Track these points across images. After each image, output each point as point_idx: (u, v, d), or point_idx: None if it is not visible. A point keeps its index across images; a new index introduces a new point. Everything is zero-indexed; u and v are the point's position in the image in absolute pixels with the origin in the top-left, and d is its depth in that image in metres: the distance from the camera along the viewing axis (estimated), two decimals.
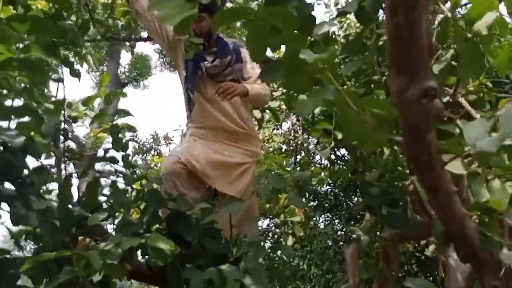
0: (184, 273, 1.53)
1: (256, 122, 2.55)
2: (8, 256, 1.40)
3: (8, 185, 1.41)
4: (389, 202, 1.24)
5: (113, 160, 1.58)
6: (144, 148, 7.51)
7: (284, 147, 5.86)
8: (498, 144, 0.57)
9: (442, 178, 0.75)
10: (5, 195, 1.32)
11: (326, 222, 4.87)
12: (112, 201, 1.50)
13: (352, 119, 0.79)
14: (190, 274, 1.51)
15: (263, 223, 4.20)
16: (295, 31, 0.85)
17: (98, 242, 1.55)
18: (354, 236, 2.15)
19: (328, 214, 4.90)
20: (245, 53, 2.10)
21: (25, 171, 1.39)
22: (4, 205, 1.35)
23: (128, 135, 2.09)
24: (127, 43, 4.55)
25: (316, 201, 5.24)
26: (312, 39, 1.17)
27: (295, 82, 0.89)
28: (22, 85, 1.46)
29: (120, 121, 2.50)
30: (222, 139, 2.06)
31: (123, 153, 2.16)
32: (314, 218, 5.20)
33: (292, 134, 5.37)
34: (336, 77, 0.81)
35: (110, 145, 2.20)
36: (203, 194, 2.00)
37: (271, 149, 5.60)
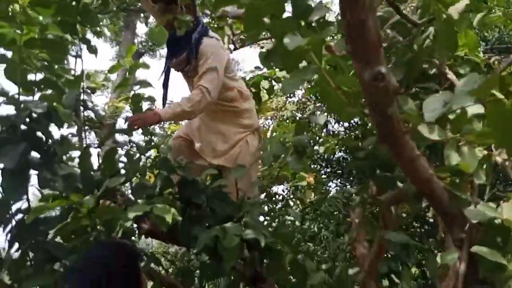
0: (193, 231, 1.70)
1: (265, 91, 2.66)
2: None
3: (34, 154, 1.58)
4: (378, 165, 1.34)
5: (128, 132, 1.71)
6: None
7: (298, 114, 5.92)
8: (436, 116, 0.66)
9: (405, 145, 0.85)
10: (33, 163, 1.48)
11: (338, 188, 5.00)
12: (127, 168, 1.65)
13: (330, 95, 0.89)
14: (199, 232, 1.68)
15: (278, 189, 4.36)
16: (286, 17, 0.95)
17: (117, 203, 1.72)
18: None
19: (340, 180, 5.03)
20: (205, 45, 2.08)
21: (50, 142, 1.56)
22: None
23: (146, 104, 2.23)
24: (142, 14, 4.63)
25: (330, 168, 5.37)
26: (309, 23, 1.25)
27: (285, 62, 0.99)
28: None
29: (139, 91, 2.65)
30: (215, 117, 2.23)
31: None
32: (329, 184, 5.35)
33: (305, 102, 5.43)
34: (319, 57, 0.91)
35: (129, 114, 2.37)
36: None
37: (284, 117, 5.69)
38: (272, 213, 3.02)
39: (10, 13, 1.28)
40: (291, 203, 3.67)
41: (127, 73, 2.58)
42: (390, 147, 0.88)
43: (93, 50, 1.82)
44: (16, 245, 1.67)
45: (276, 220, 3.17)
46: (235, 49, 3.63)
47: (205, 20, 3.51)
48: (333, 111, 0.85)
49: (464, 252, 0.98)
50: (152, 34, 8.89)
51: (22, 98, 1.38)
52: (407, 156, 0.88)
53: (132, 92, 2.19)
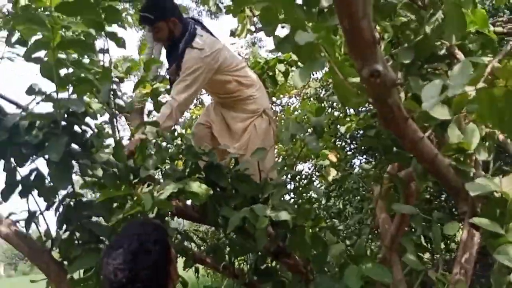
0: (221, 211, 1.84)
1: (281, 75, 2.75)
2: (82, 199, 1.77)
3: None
4: (391, 143, 1.42)
5: (156, 124, 1.84)
6: None
7: (322, 91, 5.93)
8: (433, 105, 0.74)
9: (407, 129, 0.93)
10: (74, 153, 1.64)
11: (363, 164, 5.04)
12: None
13: (339, 84, 0.98)
14: (226, 213, 1.81)
15: (303, 168, 4.47)
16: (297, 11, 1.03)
17: (149, 187, 1.88)
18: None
19: (365, 156, 5.06)
20: (186, 59, 2.18)
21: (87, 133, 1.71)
22: None
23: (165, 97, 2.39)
24: None
25: (355, 144, 5.41)
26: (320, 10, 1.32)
27: (299, 55, 1.08)
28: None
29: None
30: (224, 105, 2.42)
31: None
32: (354, 161, 5.41)
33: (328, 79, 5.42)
34: (330, 48, 0.99)
35: None
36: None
37: (308, 95, 5.71)
38: (296, 191, 3.13)
39: (40, 17, 1.41)
40: (316, 181, 3.76)
41: (143, 70, 2.73)
42: (394, 132, 0.96)
43: (120, 43, 1.94)
44: (64, 227, 1.87)
45: (300, 198, 3.28)
46: (256, 30, 3.70)
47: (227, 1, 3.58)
48: (342, 99, 0.92)
49: (466, 222, 1.06)
50: None
51: (60, 95, 1.52)
52: (410, 139, 0.96)
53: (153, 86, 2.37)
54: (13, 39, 1.92)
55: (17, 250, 2.01)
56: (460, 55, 1.36)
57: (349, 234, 3.62)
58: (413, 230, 2.36)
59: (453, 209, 3.64)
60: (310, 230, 1.95)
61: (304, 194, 3.18)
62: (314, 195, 3.40)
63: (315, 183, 3.96)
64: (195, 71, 2.17)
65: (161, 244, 1.22)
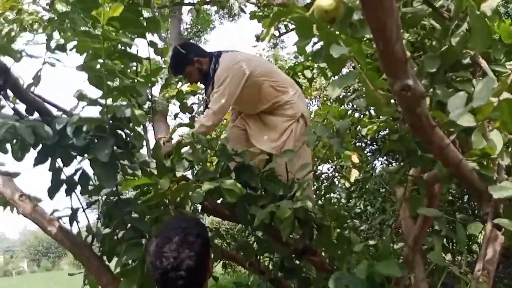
0: (250, 210, 1.94)
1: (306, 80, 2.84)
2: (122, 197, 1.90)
3: None
4: (415, 146, 1.50)
5: (190, 126, 1.96)
6: None
7: (342, 93, 5.98)
8: (459, 115, 0.83)
9: (434, 136, 1.02)
10: (117, 155, 1.77)
11: (384, 165, 5.08)
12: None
13: (371, 94, 1.07)
14: (255, 211, 1.92)
15: (323, 168, 4.54)
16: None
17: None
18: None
19: (385, 157, 5.10)
20: (216, 76, 2.37)
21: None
22: None
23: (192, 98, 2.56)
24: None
25: (376, 145, 5.44)
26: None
27: (331, 66, 1.17)
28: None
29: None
30: (263, 110, 2.54)
31: (190, 115, 2.66)
32: (374, 162, 5.45)
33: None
34: (362, 59, 1.08)
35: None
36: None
37: (328, 96, 5.76)
38: (318, 192, 3.21)
39: (91, 30, 1.54)
40: (337, 182, 3.83)
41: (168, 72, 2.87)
42: (422, 138, 1.04)
43: (159, 52, 2.07)
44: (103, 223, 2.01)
45: (322, 198, 3.36)
46: (280, 35, 3.81)
47: (252, 8, 3.69)
48: (373, 107, 1.00)
49: (489, 223, 1.13)
50: (197, 20, 9.18)
51: (106, 101, 1.65)
52: (437, 146, 1.05)
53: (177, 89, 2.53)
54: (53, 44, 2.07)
55: (61, 245, 2.16)
56: (484, 63, 1.43)
57: (371, 234, 3.67)
58: (436, 230, 2.41)
59: (476, 211, 3.65)
60: (336, 229, 2.04)
61: (326, 195, 3.25)
62: (335, 196, 3.48)
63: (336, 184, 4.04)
64: (225, 80, 2.32)
65: (202, 238, 1.34)
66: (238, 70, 2.35)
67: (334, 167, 4.49)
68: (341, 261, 2.02)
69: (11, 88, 1.78)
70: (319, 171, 3.64)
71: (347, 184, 3.86)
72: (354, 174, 3.39)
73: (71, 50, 1.88)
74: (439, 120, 1.03)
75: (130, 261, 1.80)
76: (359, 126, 3.33)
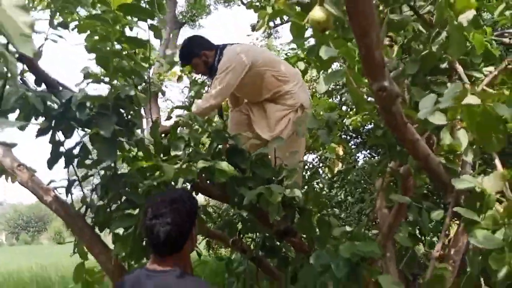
0: (240, 191, 2.08)
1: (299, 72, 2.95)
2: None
3: None
4: (395, 142, 1.65)
5: (188, 108, 2.08)
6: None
7: (332, 86, 6.12)
8: (426, 114, 0.97)
9: (406, 132, 1.16)
10: (117, 132, 1.88)
11: (367, 158, 5.27)
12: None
13: (354, 91, 1.20)
14: (244, 192, 2.05)
15: (308, 158, 4.70)
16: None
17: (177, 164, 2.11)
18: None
19: (368, 150, 5.28)
20: (219, 65, 2.49)
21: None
22: None
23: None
24: None
25: (359, 138, 5.63)
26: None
27: (321, 64, 1.30)
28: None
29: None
30: (265, 99, 2.66)
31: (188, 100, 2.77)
32: (357, 155, 5.63)
33: None
34: (351, 60, 1.21)
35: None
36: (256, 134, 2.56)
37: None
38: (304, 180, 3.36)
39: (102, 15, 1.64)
40: (321, 172, 4.00)
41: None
42: (395, 134, 1.18)
43: (159, 35, 2.17)
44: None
45: (306, 186, 3.52)
46: (275, 26, 3.91)
47: None
48: (355, 103, 1.12)
49: (449, 211, 1.29)
50: (193, 4, 9.16)
51: (110, 81, 1.76)
52: (408, 140, 1.19)
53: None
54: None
55: (56, 214, 2.27)
56: (460, 69, 1.58)
57: (349, 222, 3.86)
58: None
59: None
60: (316, 214, 2.20)
61: (309, 183, 3.41)
62: (318, 185, 3.64)
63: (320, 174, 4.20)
64: (226, 68, 2.44)
65: (192, 206, 1.48)
66: (240, 60, 2.46)
67: (319, 157, 4.66)
68: (321, 243, 2.18)
69: (25, 59, 1.87)
70: (305, 161, 3.79)
71: (330, 175, 4.01)
72: (336, 165, 3.57)
73: (73, 29, 1.98)
74: (412, 118, 1.17)
75: (122, 230, 1.93)
76: (345, 119, 3.48)
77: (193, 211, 1.50)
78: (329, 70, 1.49)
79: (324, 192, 3.94)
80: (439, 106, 1.03)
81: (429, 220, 1.45)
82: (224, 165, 1.79)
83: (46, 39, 2.16)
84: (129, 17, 1.64)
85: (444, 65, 1.58)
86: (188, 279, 1.40)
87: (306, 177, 3.61)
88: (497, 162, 1.31)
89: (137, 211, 1.88)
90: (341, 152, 3.26)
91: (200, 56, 2.59)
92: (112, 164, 1.91)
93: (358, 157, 5.01)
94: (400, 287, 1.39)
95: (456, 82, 1.13)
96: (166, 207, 1.41)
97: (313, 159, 5.26)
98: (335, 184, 4.23)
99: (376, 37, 0.89)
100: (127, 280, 1.49)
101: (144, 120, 2.85)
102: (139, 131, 2.11)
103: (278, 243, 2.64)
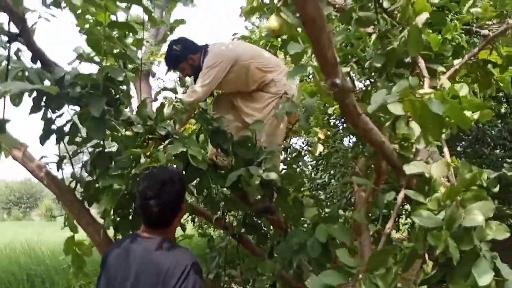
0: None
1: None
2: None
3: None
4: None
5: (174, 91, 2.20)
6: None
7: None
8: (375, 107, 1.11)
9: (360, 121, 1.30)
10: (106, 111, 2.00)
11: (350, 143, 5.44)
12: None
13: (317, 84, 1.34)
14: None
15: (297, 142, 4.85)
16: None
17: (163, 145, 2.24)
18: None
19: (354, 135, 5.44)
20: (205, 63, 2.55)
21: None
22: None
23: None
24: None
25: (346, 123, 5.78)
26: None
27: (292, 58, 1.42)
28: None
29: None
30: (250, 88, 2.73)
31: (179, 78, 2.87)
32: (343, 139, 5.80)
33: None
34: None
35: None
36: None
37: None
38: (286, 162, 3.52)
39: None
40: (306, 155, 4.15)
41: (168, 32, 3.05)
42: (351, 123, 1.32)
43: (154, 21, 2.27)
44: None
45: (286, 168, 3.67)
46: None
47: None
48: (319, 95, 1.24)
49: (401, 193, 1.44)
50: None
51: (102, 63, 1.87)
52: (361, 129, 1.34)
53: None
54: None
55: (47, 188, 2.40)
56: (421, 63, 1.72)
57: (332, 203, 4.04)
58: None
59: None
60: (293, 194, 2.35)
61: (294, 166, 3.56)
62: (300, 168, 3.80)
63: (305, 158, 4.35)
64: (212, 64, 2.51)
65: (181, 183, 1.63)
66: (224, 56, 2.55)
67: (303, 142, 4.81)
68: (295, 221, 2.34)
69: (24, 37, 1.96)
70: (288, 143, 3.94)
71: (311, 158, 4.14)
72: (319, 149, 3.71)
73: (64, 7, 2.08)
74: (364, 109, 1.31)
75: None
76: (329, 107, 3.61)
77: (183, 189, 1.65)
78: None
79: (305, 174, 4.10)
80: (388, 101, 1.16)
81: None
82: (197, 150, 1.91)
83: (39, 17, 2.26)
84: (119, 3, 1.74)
85: (408, 60, 1.71)
86: (174, 247, 1.56)
87: (288, 159, 3.76)
88: (446, 150, 1.46)
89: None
90: (322, 136, 3.40)
91: (186, 60, 2.64)
92: (101, 142, 2.04)
93: (343, 140, 5.17)
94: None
95: (402, 80, 1.26)
96: (159, 189, 1.56)
97: (302, 143, 5.42)
98: (320, 167, 4.40)
99: (327, 39, 1.02)
100: (118, 243, 1.65)
101: (136, 100, 2.97)
102: (127, 110, 2.23)
103: (259, 220, 2.80)
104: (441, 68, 1.83)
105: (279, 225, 2.60)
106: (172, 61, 2.67)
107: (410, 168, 1.40)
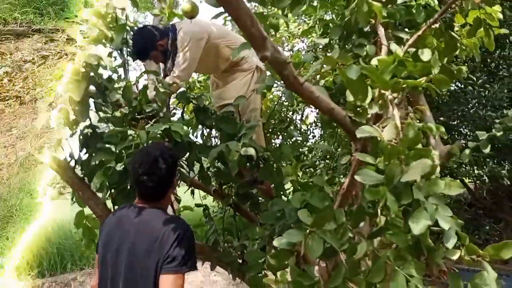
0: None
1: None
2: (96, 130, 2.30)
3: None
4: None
5: (157, 74, 2.32)
6: None
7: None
8: (309, 76, 1.21)
9: (303, 90, 1.39)
10: (91, 94, 2.15)
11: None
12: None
13: None
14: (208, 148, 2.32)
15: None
16: None
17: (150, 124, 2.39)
18: None
19: None
20: (179, 42, 2.56)
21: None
22: None
23: None
24: None
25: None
26: None
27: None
28: None
29: None
30: (227, 72, 2.84)
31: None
32: None
33: None
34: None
35: None
36: None
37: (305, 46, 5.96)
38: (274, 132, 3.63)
39: None
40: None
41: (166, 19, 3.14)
42: (296, 93, 1.42)
43: (136, 4, 2.38)
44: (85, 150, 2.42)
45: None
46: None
47: None
48: None
49: (354, 156, 1.54)
50: None
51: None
52: (308, 97, 1.43)
53: None
54: None
55: (51, 168, 2.59)
56: (381, 31, 1.77)
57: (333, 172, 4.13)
58: None
59: None
60: (276, 164, 2.47)
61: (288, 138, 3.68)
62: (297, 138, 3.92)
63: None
64: (188, 43, 2.54)
65: (173, 159, 1.77)
66: (197, 33, 2.57)
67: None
68: (276, 190, 2.47)
69: None
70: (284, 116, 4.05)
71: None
72: (311, 117, 3.81)
73: None
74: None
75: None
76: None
77: (174, 164, 1.79)
78: None
79: (298, 143, 4.19)
80: (323, 70, 1.25)
81: None
82: (179, 127, 2.03)
83: None
84: None
85: (367, 29, 1.77)
86: (168, 215, 1.72)
87: (277, 131, 3.86)
88: (395, 112, 1.54)
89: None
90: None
91: (156, 48, 2.62)
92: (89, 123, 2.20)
93: None
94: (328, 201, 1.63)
95: (334, 50, 1.34)
96: (152, 166, 1.69)
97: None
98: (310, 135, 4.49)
99: (248, 17, 1.11)
100: (116, 213, 1.81)
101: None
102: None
103: (252, 190, 2.94)
104: (404, 35, 1.88)
105: (269, 194, 2.74)
106: (142, 52, 2.62)
107: (361, 131, 1.49)
